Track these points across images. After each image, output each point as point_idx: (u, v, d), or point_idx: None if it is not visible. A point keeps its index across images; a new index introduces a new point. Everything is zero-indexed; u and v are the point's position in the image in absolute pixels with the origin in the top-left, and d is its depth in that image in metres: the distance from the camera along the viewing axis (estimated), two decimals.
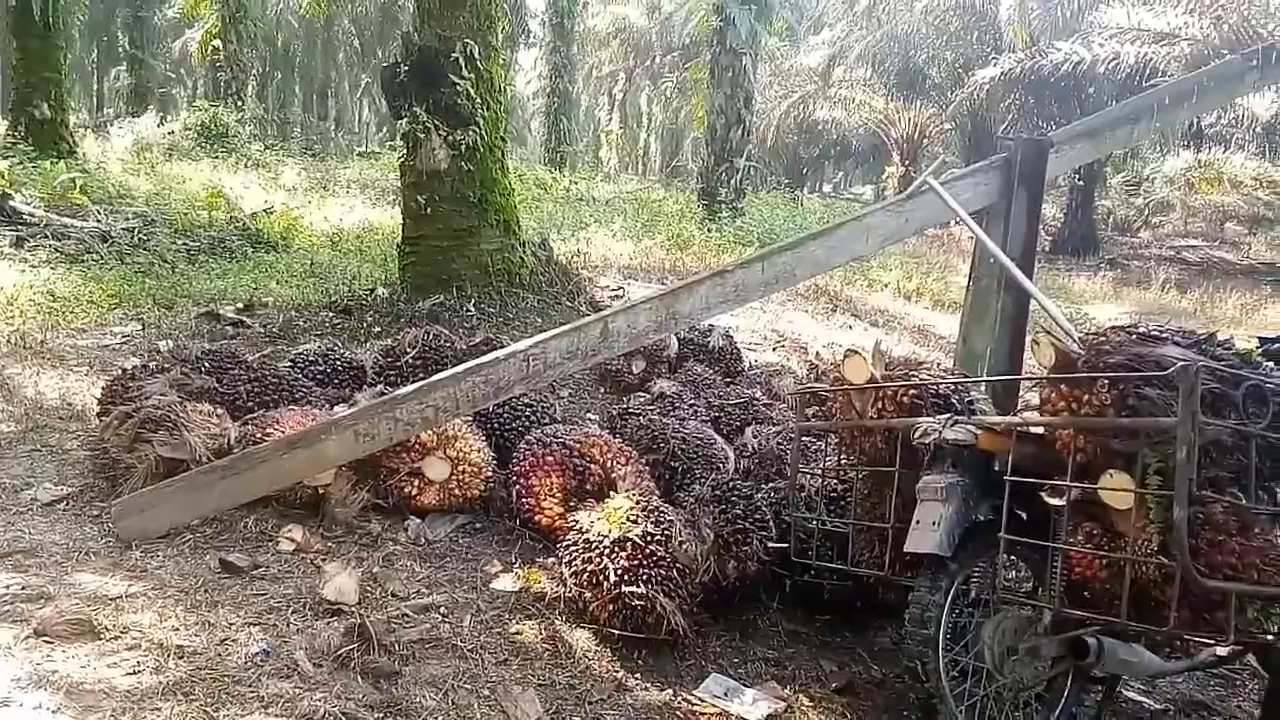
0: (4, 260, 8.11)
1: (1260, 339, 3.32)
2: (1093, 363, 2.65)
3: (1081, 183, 22.26)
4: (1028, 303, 4.16)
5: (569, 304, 7.19)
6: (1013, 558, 2.87)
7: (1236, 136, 21.93)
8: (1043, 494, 2.74)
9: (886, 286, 11.59)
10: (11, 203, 9.86)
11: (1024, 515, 2.85)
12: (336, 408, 4.35)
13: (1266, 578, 2.45)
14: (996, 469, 2.80)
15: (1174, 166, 24.91)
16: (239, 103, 23.06)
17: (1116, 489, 2.54)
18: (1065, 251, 21.87)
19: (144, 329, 6.45)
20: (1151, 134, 6.91)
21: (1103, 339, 2.72)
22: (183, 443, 3.77)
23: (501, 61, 7.41)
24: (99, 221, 9.88)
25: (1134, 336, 2.70)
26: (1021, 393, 4.09)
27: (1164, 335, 2.71)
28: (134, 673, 2.61)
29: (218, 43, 23.62)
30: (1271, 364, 3.16)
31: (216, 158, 17.87)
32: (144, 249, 9.18)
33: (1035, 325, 4.29)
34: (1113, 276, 18.31)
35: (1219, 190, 25.37)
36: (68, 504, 3.76)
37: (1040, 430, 2.83)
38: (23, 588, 2.99)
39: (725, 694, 2.99)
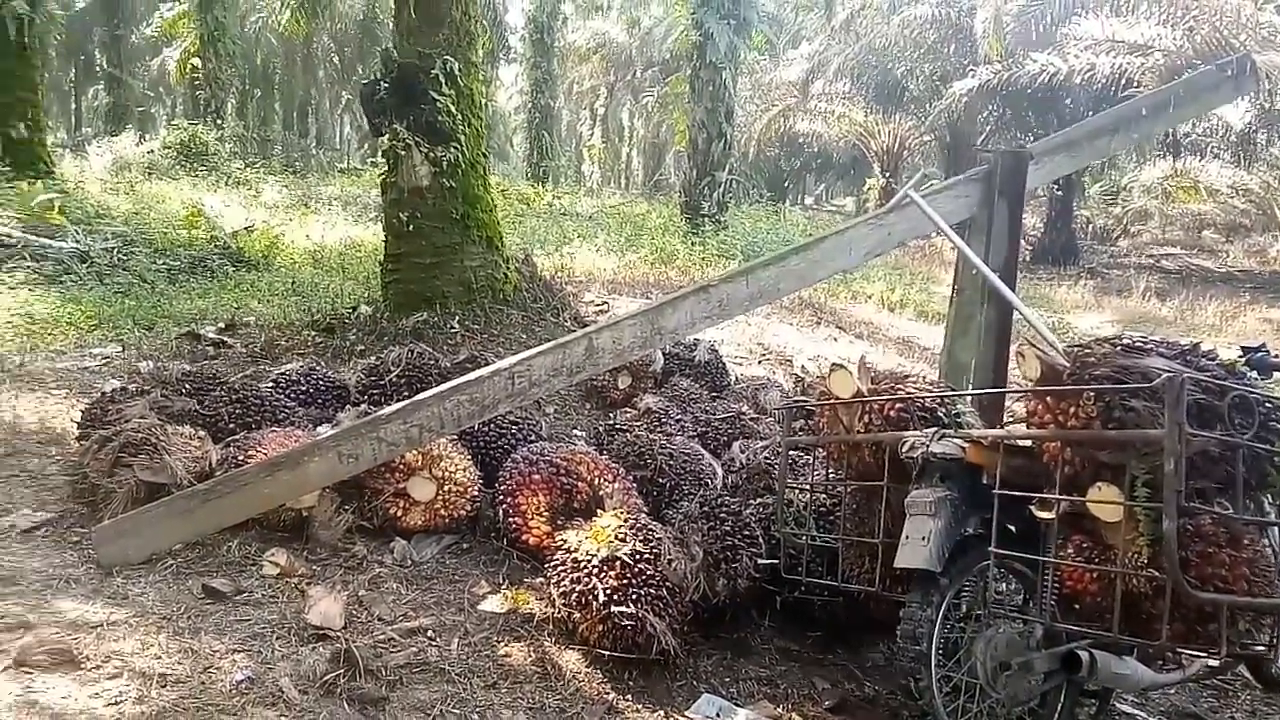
0: None
1: (1243, 348, 3.34)
2: (1078, 375, 2.65)
3: (1060, 193, 22.46)
4: (1011, 314, 4.17)
5: (553, 320, 7.18)
6: (1003, 571, 2.87)
7: (1212, 145, 22.22)
8: (1031, 507, 2.74)
9: (870, 298, 11.64)
10: None
11: (1013, 529, 2.85)
12: (320, 428, 4.31)
13: (1256, 589, 2.46)
14: (985, 482, 2.80)
15: (1151, 176, 25.17)
16: (218, 120, 23.00)
17: (1105, 501, 2.53)
18: (1046, 261, 22.04)
19: (124, 350, 6.38)
20: (1129, 145, 6.97)
21: (1087, 351, 2.72)
22: (164, 466, 3.72)
23: (482, 78, 7.40)
24: (77, 242, 9.78)
25: (1119, 348, 2.70)
26: (1008, 405, 4.09)
27: (1149, 346, 2.71)
28: (116, 702, 2.57)
29: (196, 61, 23.59)
30: (1255, 373, 3.19)
31: (196, 176, 17.80)
32: (123, 269, 9.10)
33: (1019, 336, 4.30)
34: (1093, 285, 18.46)
35: (1196, 199, 25.64)
36: (47, 530, 3.69)
37: (1027, 443, 2.83)
38: (2, 617, 2.94)
39: (717, 714, 2.96)
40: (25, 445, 4.53)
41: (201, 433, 4.07)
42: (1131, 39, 17.92)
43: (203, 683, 2.72)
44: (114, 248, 9.80)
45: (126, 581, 3.31)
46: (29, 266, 8.69)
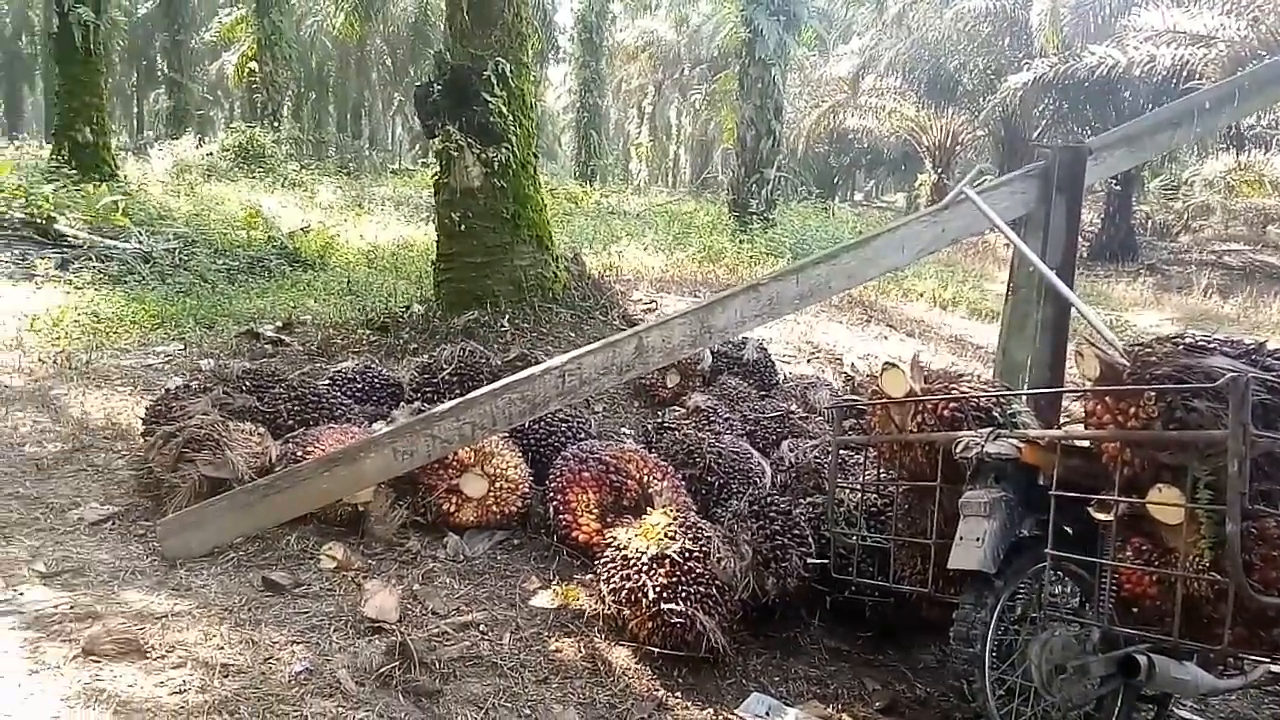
0: (49, 282, 8.30)
1: None
2: (1138, 374, 2.60)
3: (1119, 187, 21.93)
4: (1068, 312, 4.11)
5: (602, 318, 7.21)
6: (1059, 574, 2.82)
7: (1277, 138, 21.52)
8: (1089, 509, 2.69)
9: (922, 296, 11.50)
10: (56, 226, 10.13)
11: (1070, 530, 2.80)
12: (375, 425, 4.39)
13: None
14: (1041, 483, 2.76)
15: (1214, 169, 24.47)
16: (275, 123, 23.48)
17: (1166, 503, 2.49)
18: (1103, 257, 21.56)
19: (186, 348, 6.55)
20: (1192, 139, 6.80)
21: (1148, 350, 2.67)
22: (225, 461, 3.82)
23: (532, 78, 7.46)
24: (140, 243, 10.07)
25: (1180, 347, 2.65)
26: (1065, 405, 4.03)
27: (1211, 345, 2.65)
28: (180, 691, 2.64)
29: (254, 65, 24.10)
30: None
31: (254, 178, 18.20)
32: (185, 269, 9.35)
33: (1076, 335, 4.23)
34: (1153, 282, 18.03)
35: (1260, 193, 24.87)
36: (114, 523, 3.81)
37: (1086, 444, 2.78)
38: (71, 606, 3.04)
39: (767, 713, 2.96)
40: (93, 440, 4.68)
41: (261, 429, 4.16)
42: (1193, 30, 17.43)
43: (263, 673, 2.78)
44: (175, 248, 10.07)
45: (190, 573, 3.41)
46: (95, 267, 8.98)
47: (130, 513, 3.91)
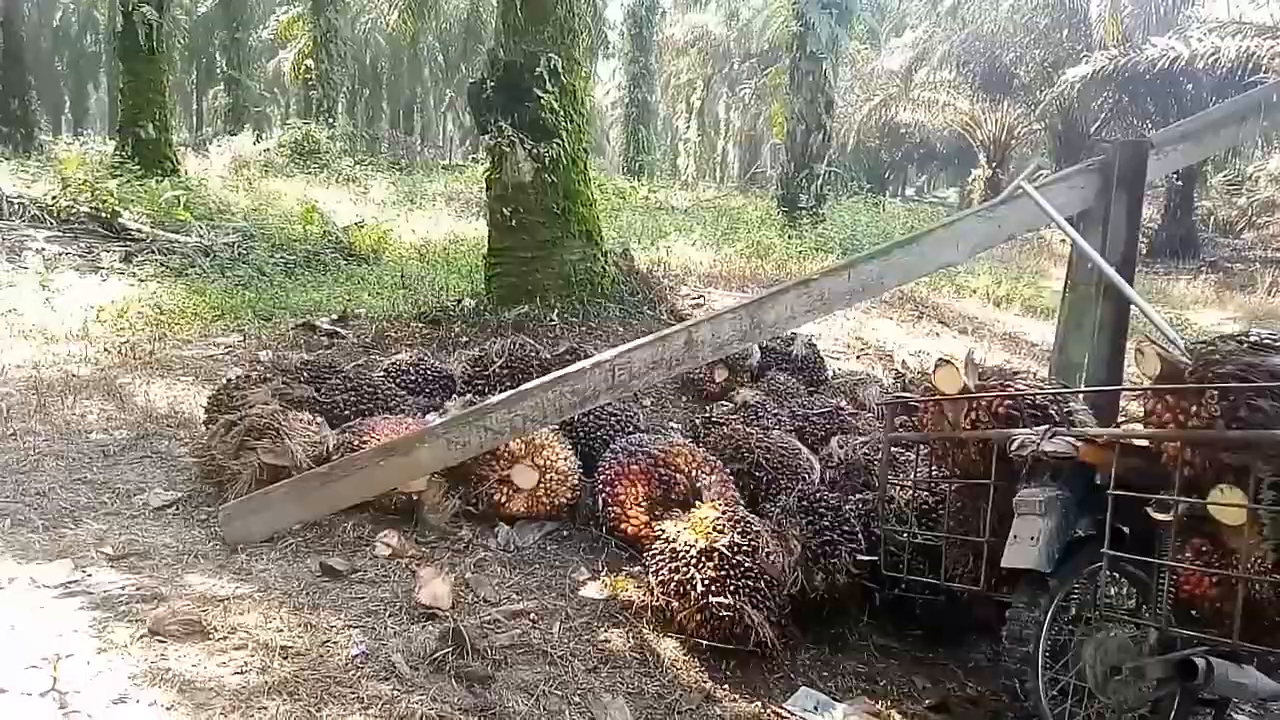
0: (114, 275, 8.54)
1: None
2: (1201, 373, 2.55)
3: (1180, 183, 21.39)
4: (1128, 310, 4.03)
5: (650, 313, 7.23)
6: (1116, 574, 2.78)
7: None
8: (1148, 509, 2.65)
9: (975, 292, 11.34)
10: (121, 220, 10.41)
11: (1127, 530, 2.76)
12: (428, 416, 4.46)
13: None
14: (1098, 483, 2.72)
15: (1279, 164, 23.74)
16: (330, 120, 23.86)
17: (1228, 504, 2.44)
18: (1163, 254, 21.06)
19: (245, 340, 6.71)
20: (1257, 133, 6.62)
21: (1211, 348, 2.62)
22: (285, 450, 3.91)
23: (583, 74, 7.49)
24: (201, 237, 10.32)
25: (1245, 346, 2.59)
26: (1122, 403, 3.95)
27: (1277, 344, 2.60)
28: (241, 672, 2.71)
29: (309, 62, 24.53)
30: None
31: (309, 173, 18.49)
32: (244, 263, 9.55)
33: (1135, 333, 4.15)
34: (1215, 280, 17.56)
35: None
36: (177, 508, 3.93)
37: (1145, 443, 2.73)
38: (137, 588, 3.13)
39: (815, 708, 2.96)
40: (157, 428, 4.82)
41: (319, 418, 4.25)
42: (1259, 21, 16.95)
43: (321, 655, 2.85)
44: (234, 242, 10.30)
45: (250, 558, 3.50)
46: (157, 260, 9.23)
47: (193, 498, 4.02)
